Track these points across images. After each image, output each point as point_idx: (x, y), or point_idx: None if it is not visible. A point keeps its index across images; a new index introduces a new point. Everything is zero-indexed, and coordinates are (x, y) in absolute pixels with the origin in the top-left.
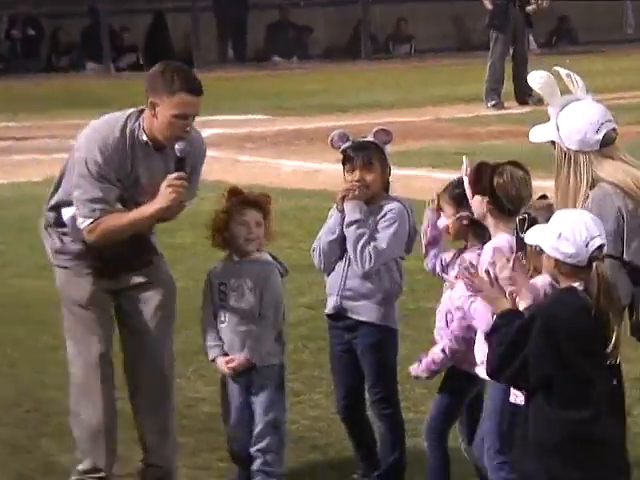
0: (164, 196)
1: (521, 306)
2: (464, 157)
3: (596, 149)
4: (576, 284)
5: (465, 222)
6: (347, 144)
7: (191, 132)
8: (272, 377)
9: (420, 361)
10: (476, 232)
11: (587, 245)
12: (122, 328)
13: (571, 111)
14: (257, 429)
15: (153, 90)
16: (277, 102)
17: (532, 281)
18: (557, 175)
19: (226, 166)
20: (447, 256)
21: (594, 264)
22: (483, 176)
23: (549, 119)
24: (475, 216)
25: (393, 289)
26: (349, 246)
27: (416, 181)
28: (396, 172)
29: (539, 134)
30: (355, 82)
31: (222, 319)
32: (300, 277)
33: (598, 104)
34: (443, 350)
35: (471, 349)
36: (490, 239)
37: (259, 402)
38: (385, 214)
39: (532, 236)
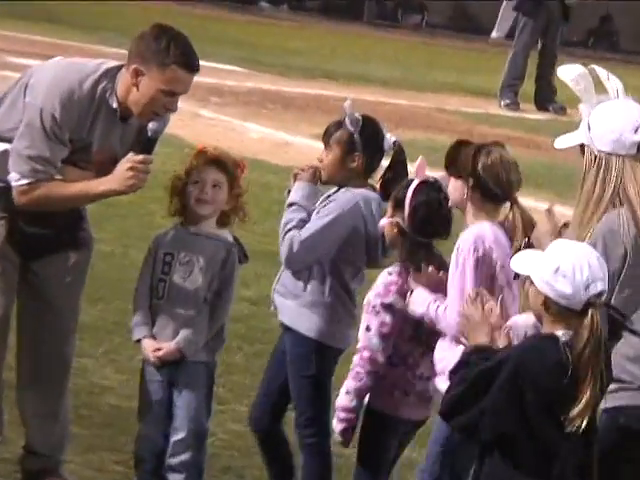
0: (121, 178)
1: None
2: (420, 157)
3: (632, 153)
4: (560, 332)
5: (395, 230)
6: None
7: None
8: (203, 377)
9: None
10: (409, 250)
11: (587, 288)
12: (22, 287)
13: (607, 108)
14: (177, 436)
15: (141, 56)
16: (255, 55)
17: (513, 319)
18: (582, 184)
19: (184, 119)
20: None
21: (589, 311)
22: (463, 155)
23: (579, 125)
24: (451, 204)
25: (329, 300)
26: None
27: None
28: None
29: (566, 139)
30: (350, 48)
31: (159, 295)
32: (247, 266)
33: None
34: (347, 392)
35: (384, 383)
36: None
37: (183, 403)
38: (326, 203)
39: (521, 263)
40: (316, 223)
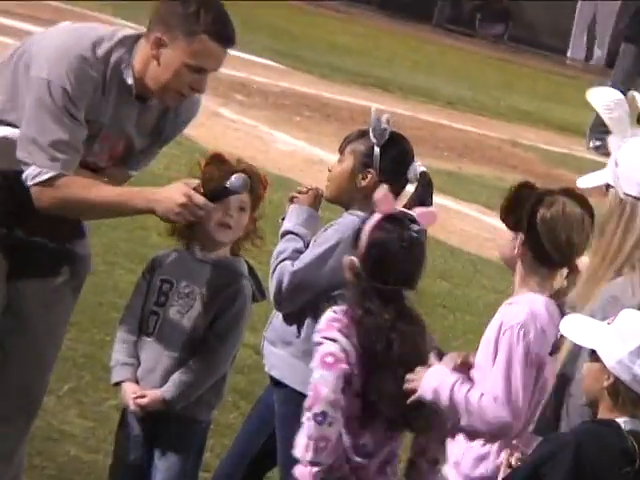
0: (168, 204)
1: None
2: (383, 186)
3: None
4: (622, 419)
5: (350, 271)
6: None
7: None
8: (192, 437)
9: None
10: (359, 294)
11: None
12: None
13: (639, 144)
14: None
15: (164, 23)
16: (294, 48)
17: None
18: (601, 231)
19: (200, 117)
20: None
21: None
22: (521, 202)
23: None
24: (500, 258)
25: None
26: None
27: (457, 220)
28: (435, 199)
29: (591, 178)
30: (410, 54)
31: (149, 330)
32: (259, 305)
33: None
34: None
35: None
36: None
37: (164, 467)
38: (326, 228)
39: (581, 332)
40: (311, 252)
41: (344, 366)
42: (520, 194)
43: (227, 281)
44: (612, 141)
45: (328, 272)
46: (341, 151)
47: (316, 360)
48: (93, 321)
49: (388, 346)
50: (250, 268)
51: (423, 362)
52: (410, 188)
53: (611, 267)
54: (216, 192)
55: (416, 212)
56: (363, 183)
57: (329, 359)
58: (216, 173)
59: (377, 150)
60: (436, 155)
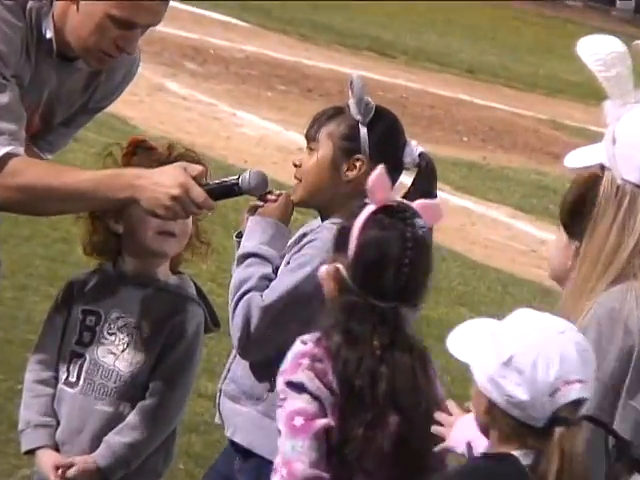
0: (157, 196)
1: None
2: (380, 167)
3: None
4: (517, 452)
5: (332, 283)
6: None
7: (135, 49)
8: None
9: None
10: (346, 312)
11: (553, 393)
12: None
13: None
14: None
15: None
16: (265, 2)
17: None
18: (594, 224)
19: (138, 92)
20: None
21: (556, 430)
22: (587, 205)
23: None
24: (549, 271)
25: None
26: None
27: (482, 227)
28: (452, 199)
29: (580, 156)
30: (417, 8)
31: (72, 378)
32: (213, 338)
33: None
34: None
35: None
36: None
37: None
38: (303, 245)
39: (459, 341)
40: (286, 280)
41: (319, 423)
42: (584, 192)
43: (172, 308)
44: (609, 109)
45: (309, 305)
46: (311, 137)
47: (282, 422)
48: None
49: (373, 383)
50: (198, 289)
51: (423, 406)
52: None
53: (605, 276)
54: (222, 189)
55: (416, 206)
56: (350, 175)
57: (298, 421)
58: (142, 166)
59: (363, 130)
60: (453, 141)
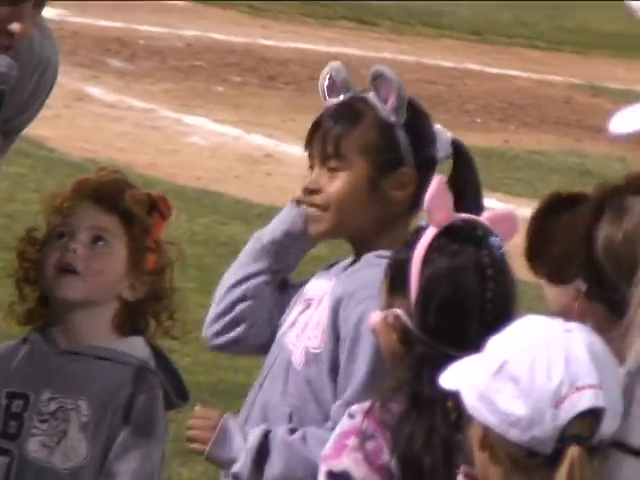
0: None
1: None
2: (438, 177)
3: None
4: None
5: (394, 334)
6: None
7: (27, 31)
8: None
9: None
10: (415, 370)
11: (558, 403)
12: None
13: None
14: None
15: None
16: None
17: None
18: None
19: (57, 105)
20: None
21: (567, 453)
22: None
23: None
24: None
25: None
26: None
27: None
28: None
29: (630, 118)
30: None
31: None
32: (181, 411)
33: None
34: None
35: None
36: None
37: None
38: (336, 306)
39: (455, 371)
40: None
41: None
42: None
43: (117, 381)
44: None
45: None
46: (328, 154)
47: None
48: None
49: (447, 457)
50: (157, 352)
51: None
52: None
53: None
54: None
55: (485, 220)
56: (399, 195)
57: None
58: (66, 200)
59: (401, 134)
60: (463, 124)
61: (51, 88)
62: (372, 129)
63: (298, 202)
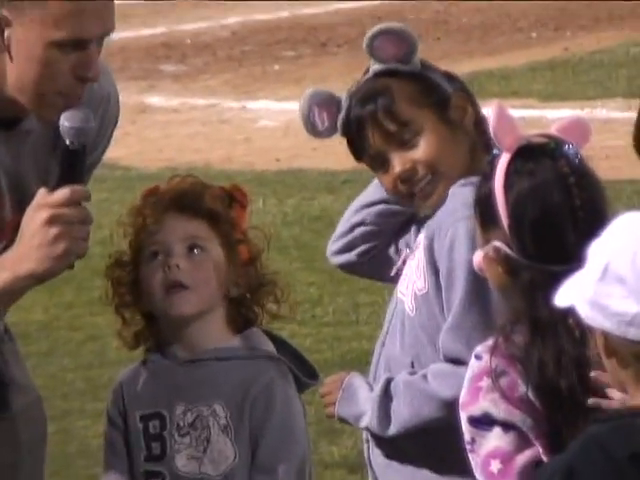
0: (38, 247)
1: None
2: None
3: None
4: None
5: (499, 267)
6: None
7: (99, 75)
8: None
9: None
10: (529, 297)
11: None
12: None
13: None
14: None
15: None
16: None
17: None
18: None
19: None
20: None
21: None
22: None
23: None
24: None
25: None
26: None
27: (594, 134)
28: (545, 114)
29: None
30: None
31: None
32: (316, 392)
33: None
34: None
35: None
36: None
37: None
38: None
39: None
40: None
41: (522, 459)
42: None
43: (245, 377)
44: None
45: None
46: (394, 135)
47: (478, 473)
48: None
49: (582, 374)
50: (280, 341)
51: None
52: None
53: None
54: (62, 163)
55: (555, 132)
56: (467, 117)
57: (495, 466)
58: (144, 215)
59: (424, 69)
60: (520, 43)
61: (116, 122)
62: (404, 85)
63: (400, 196)
